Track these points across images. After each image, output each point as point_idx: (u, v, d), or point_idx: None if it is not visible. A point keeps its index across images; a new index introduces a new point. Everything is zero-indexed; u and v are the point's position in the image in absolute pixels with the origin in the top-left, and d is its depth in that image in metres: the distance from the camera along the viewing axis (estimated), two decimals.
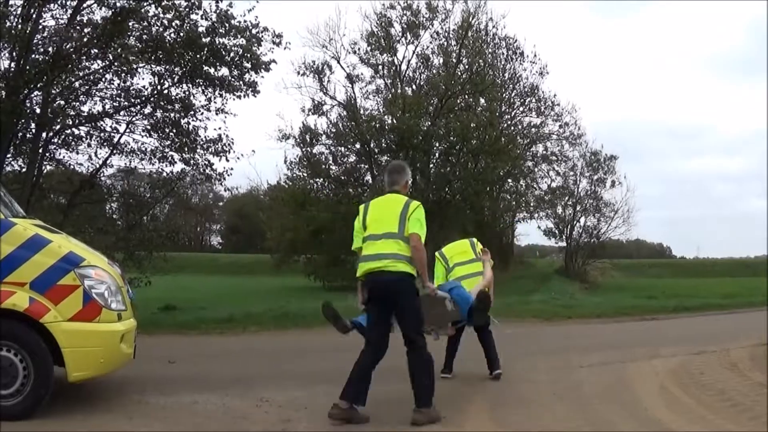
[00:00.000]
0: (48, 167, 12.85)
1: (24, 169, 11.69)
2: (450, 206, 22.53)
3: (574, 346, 8.82)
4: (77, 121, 12.15)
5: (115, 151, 12.67)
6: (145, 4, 10.72)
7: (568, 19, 67.99)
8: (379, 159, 24.32)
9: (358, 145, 23.80)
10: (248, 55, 11.77)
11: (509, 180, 27.53)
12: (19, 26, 10.24)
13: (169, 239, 14.58)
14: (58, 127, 11.80)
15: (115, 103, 12.30)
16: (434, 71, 24.86)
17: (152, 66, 11.77)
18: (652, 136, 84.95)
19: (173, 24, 11.25)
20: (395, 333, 5.14)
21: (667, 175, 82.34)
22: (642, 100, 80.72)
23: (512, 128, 27.90)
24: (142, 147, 12.65)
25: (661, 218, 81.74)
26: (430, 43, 24.54)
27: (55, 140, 12.21)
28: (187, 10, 11.26)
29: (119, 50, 10.49)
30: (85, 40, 10.59)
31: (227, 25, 11.52)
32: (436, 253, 6.92)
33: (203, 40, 11.43)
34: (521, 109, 29.19)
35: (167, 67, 11.85)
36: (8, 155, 11.28)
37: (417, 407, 4.77)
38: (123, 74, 11.59)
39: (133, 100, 12.32)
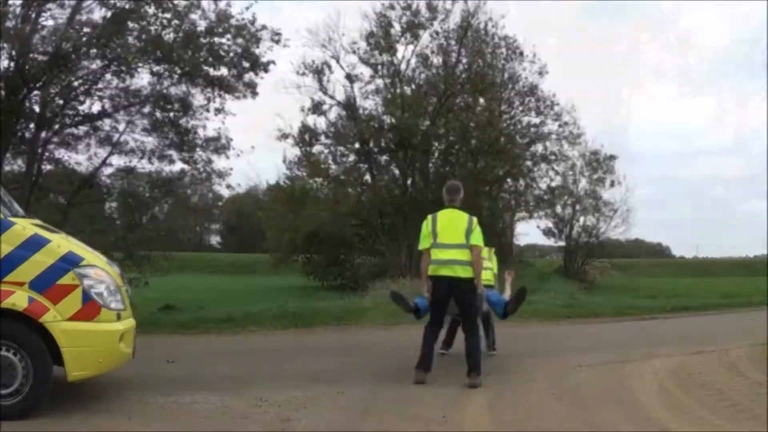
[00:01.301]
0: (47, 167, 12.83)
1: (23, 169, 11.68)
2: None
3: (574, 346, 8.83)
4: (76, 120, 12.15)
5: (114, 151, 12.65)
6: (143, 3, 10.71)
7: (565, 20, 67.90)
8: (378, 159, 24.28)
9: (357, 145, 23.77)
10: (247, 55, 11.77)
11: (508, 180, 27.48)
12: (19, 26, 10.23)
13: (168, 239, 14.57)
14: (57, 126, 11.80)
15: (114, 103, 12.29)
16: (433, 71, 24.81)
17: (151, 65, 11.76)
18: (651, 137, 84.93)
19: (172, 23, 11.24)
20: None
21: (665, 175, 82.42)
22: (641, 101, 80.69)
23: (511, 127, 27.82)
24: (142, 146, 12.66)
25: (660, 218, 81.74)
26: (430, 42, 24.47)
27: (55, 140, 12.21)
28: (186, 9, 11.26)
29: (118, 49, 10.48)
30: (84, 39, 10.58)
31: (226, 24, 11.51)
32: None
33: (202, 39, 11.42)
34: (520, 108, 29.06)
35: (166, 66, 11.84)
36: (7, 155, 11.27)
37: (474, 374, 6.03)
38: (122, 74, 11.59)
39: (131, 100, 12.30)
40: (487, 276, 7.64)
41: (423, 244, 6.51)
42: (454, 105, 23.13)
